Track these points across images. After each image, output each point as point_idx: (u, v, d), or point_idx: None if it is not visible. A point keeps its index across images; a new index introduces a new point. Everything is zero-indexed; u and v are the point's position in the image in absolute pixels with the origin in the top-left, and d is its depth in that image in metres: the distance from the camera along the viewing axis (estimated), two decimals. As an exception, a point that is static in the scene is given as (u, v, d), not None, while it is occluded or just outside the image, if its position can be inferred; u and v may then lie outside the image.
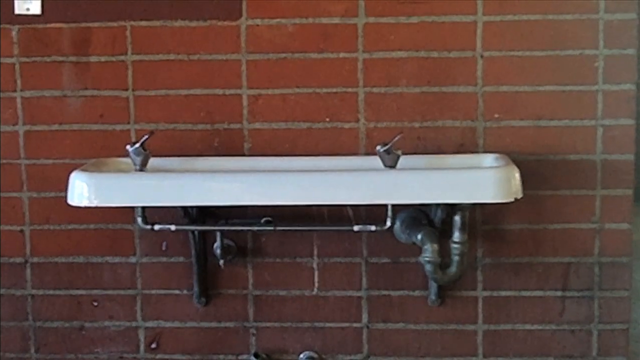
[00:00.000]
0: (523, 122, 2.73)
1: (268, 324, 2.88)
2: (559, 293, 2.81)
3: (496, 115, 2.73)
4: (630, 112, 2.73)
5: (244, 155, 2.79)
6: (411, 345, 2.85)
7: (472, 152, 2.73)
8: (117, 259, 2.87)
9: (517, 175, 2.47)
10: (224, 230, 2.78)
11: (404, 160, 2.57)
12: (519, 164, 2.52)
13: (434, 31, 2.71)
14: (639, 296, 4.59)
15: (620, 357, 2.83)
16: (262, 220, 2.74)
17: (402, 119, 2.74)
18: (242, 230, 2.80)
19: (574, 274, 2.80)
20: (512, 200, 2.47)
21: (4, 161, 2.85)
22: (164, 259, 2.87)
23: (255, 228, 2.76)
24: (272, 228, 2.72)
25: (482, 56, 2.71)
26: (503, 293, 2.82)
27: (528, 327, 2.83)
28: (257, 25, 2.75)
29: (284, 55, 2.75)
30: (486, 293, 2.82)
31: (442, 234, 2.64)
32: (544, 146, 2.74)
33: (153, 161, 2.64)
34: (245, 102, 2.78)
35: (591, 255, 2.79)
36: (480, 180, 2.46)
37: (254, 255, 2.85)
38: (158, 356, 2.91)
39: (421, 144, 2.75)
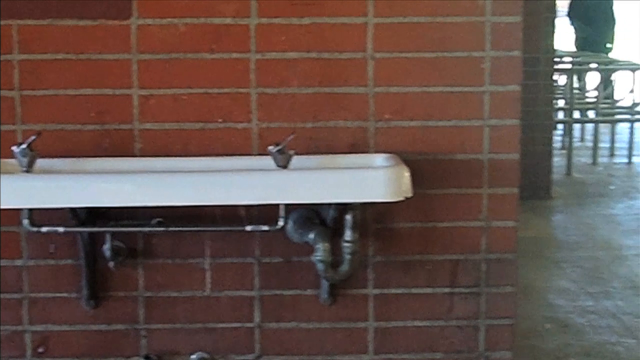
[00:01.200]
0: (413, 122, 2.77)
1: (159, 326, 2.85)
2: (447, 290, 2.86)
3: (387, 116, 2.77)
4: (515, 112, 2.80)
5: (135, 156, 2.75)
6: (303, 344, 2.87)
7: (364, 152, 2.76)
8: (2, 262, 2.80)
9: (407, 174, 2.52)
10: (114, 231, 2.74)
11: (296, 161, 2.58)
12: (408, 164, 2.56)
13: (326, 32, 2.72)
14: (524, 292, 4.72)
15: (506, 352, 2.90)
16: (154, 221, 2.71)
17: (294, 120, 2.75)
18: (132, 231, 2.77)
19: (461, 271, 2.86)
20: (402, 199, 2.50)
21: None
22: (52, 262, 2.81)
23: (146, 229, 2.73)
24: (163, 229, 2.69)
25: (372, 57, 2.74)
26: (393, 290, 2.86)
27: (417, 323, 2.88)
28: (148, 24, 2.72)
29: (175, 55, 2.73)
30: (377, 291, 2.85)
31: (334, 232, 2.67)
32: (433, 146, 2.79)
33: (40, 162, 2.59)
34: (136, 102, 2.74)
35: (478, 252, 2.85)
36: (371, 179, 2.49)
37: (145, 256, 2.82)
38: (46, 360, 2.85)
39: (313, 144, 2.76)
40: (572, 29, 11.34)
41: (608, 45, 11.42)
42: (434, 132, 2.78)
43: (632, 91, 8.81)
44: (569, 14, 11.22)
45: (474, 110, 2.78)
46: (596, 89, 8.84)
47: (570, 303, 4.87)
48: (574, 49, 11.86)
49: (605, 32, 11.11)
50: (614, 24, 11.21)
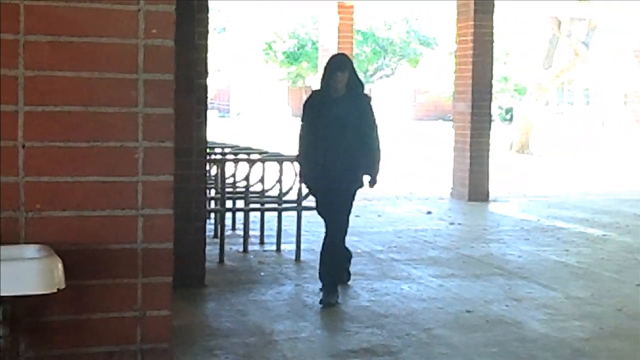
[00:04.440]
0: (66, 212, 2.73)
1: None
2: (103, 383, 2.81)
3: (38, 206, 2.70)
4: (168, 202, 2.85)
5: None
6: None
7: (14, 244, 2.67)
8: None
9: (60, 265, 2.47)
10: None
11: (-61, 253, 2.44)
12: (61, 255, 2.51)
13: (-27, 120, 2.63)
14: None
15: None
16: None
17: (-63, 210, 2.61)
18: None
19: (117, 362, 2.82)
20: (55, 291, 2.45)
21: None
22: None
23: None
24: None
25: (23, 146, 2.68)
26: (46, 387, 2.76)
27: (73, 420, 2.79)
28: None
29: None
30: (29, 388, 2.74)
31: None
32: (87, 236, 2.76)
33: None
34: None
35: (134, 342, 2.84)
36: (22, 271, 2.42)
37: None
38: None
39: (-42, 235, 2.63)
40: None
41: None
42: (88, 222, 2.75)
43: (279, 181, 9.22)
44: None
45: (128, 199, 2.79)
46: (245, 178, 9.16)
47: (224, 389, 4.95)
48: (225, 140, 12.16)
49: None
50: None
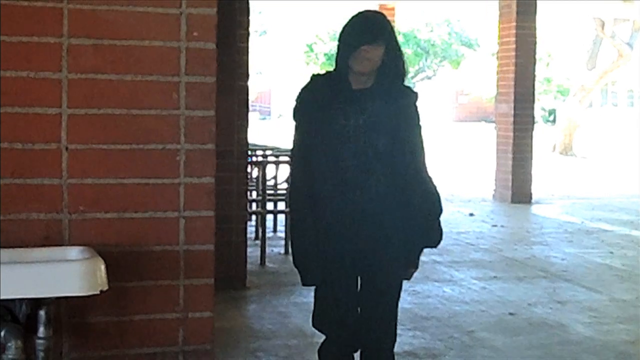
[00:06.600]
0: (108, 214, 2.75)
1: None
2: (144, 384, 2.83)
3: (81, 208, 2.72)
4: (210, 204, 2.85)
5: None
6: None
7: (58, 245, 2.69)
8: None
9: (103, 267, 2.48)
10: None
11: (-16, 255, 2.46)
12: (104, 256, 2.53)
13: (19, 123, 2.65)
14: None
15: None
16: None
17: (-17, 212, 2.64)
18: None
19: (159, 364, 2.84)
20: (98, 292, 2.46)
21: None
22: None
23: None
24: None
25: (67, 148, 2.70)
26: (89, 387, 2.78)
27: (115, 420, 2.81)
28: None
29: None
30: (72, 388, 2.76)
31: (27, 329, 2.56)
32: (129, 237, 2.77)
33: None
34: None
35: (176, 344, 2.85)
36: (65, 273, 2.43)
37: None
38: None
39: (3, 237, 2.66)
40: None
41: None
42: (130, 223, 2.77)
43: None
44: None
45: (170, 201, 2.80)
46: (286, 180, 9.18)
47: (266, 391, 4.95)
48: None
49: None
50: None
